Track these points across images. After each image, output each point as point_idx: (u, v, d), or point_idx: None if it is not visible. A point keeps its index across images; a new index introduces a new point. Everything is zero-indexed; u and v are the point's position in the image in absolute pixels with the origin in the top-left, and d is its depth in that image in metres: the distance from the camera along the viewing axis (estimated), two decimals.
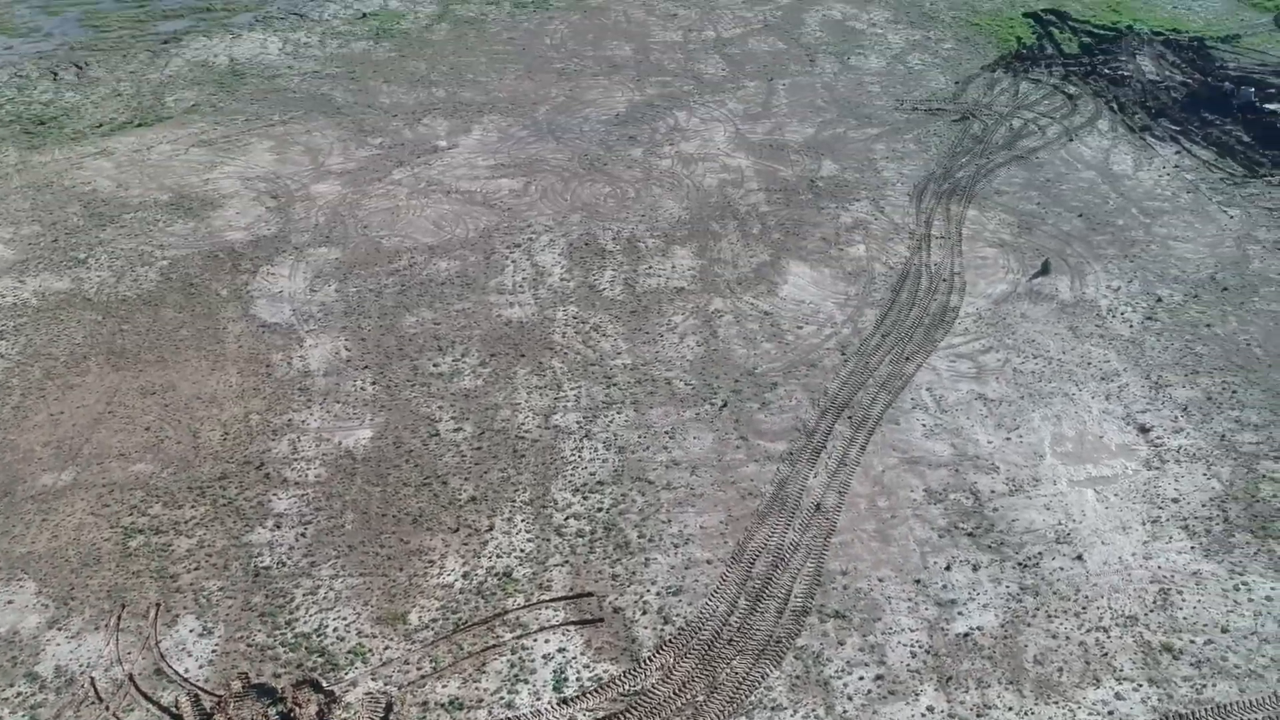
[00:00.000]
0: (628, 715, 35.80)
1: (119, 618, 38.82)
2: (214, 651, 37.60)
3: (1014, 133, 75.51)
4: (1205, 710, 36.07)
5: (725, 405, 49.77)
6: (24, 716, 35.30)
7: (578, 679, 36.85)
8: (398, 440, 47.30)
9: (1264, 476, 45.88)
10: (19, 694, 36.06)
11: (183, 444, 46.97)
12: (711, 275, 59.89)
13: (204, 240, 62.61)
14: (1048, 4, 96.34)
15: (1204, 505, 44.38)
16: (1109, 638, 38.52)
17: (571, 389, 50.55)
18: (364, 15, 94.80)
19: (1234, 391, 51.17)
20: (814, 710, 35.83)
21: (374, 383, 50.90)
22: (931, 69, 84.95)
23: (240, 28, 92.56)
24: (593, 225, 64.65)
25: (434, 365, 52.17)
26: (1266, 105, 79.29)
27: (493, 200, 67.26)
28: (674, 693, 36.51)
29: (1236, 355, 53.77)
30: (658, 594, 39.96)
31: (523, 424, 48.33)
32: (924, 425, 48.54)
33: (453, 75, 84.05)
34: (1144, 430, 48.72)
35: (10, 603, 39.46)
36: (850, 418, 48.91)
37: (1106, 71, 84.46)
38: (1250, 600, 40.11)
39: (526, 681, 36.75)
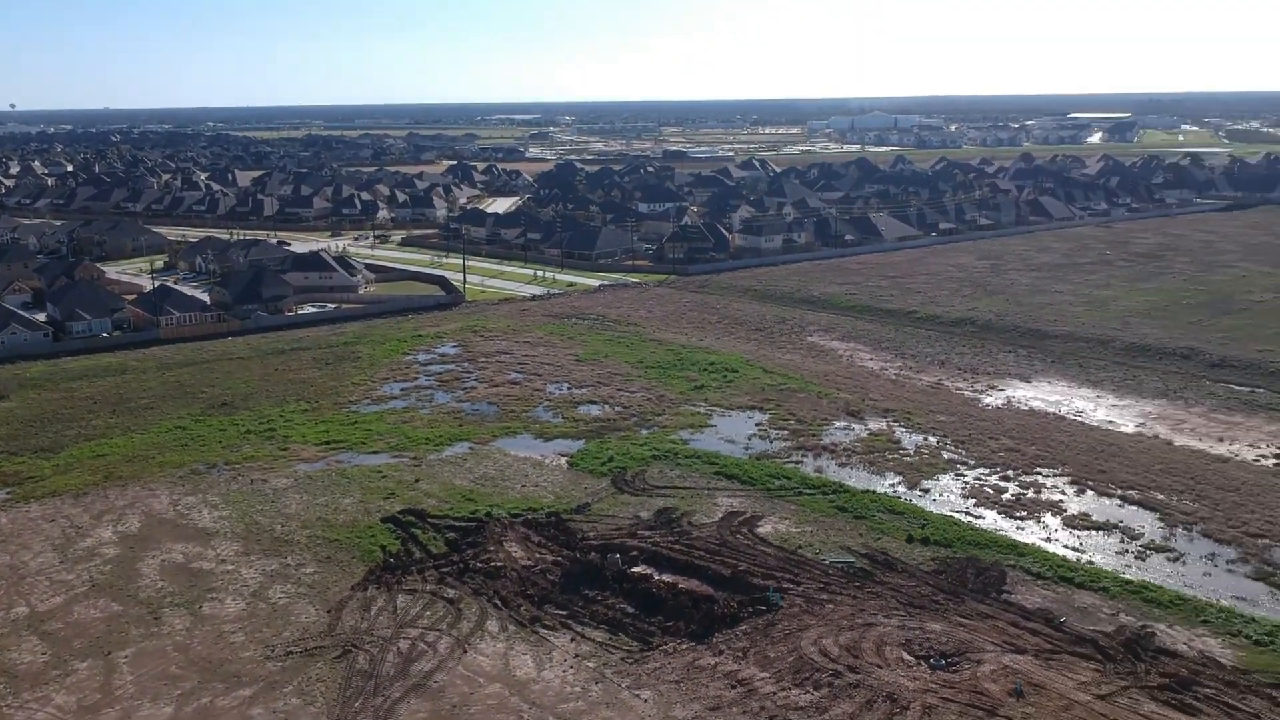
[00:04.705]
0: None
1: None
2: None
3: (404, 657, 68.20)
4: None
5: None
6: None
7: None
8: None
9: None
10: None
11: None
12: None
13: None
14: (403, 504, 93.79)
15: None
16: None
17: None
18: None
19: None
20: None
21: None
22: (298, 600, 76.33)
23: None
24: None
25: None
26: (634, 569, 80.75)
27: None
28: None
29: None
30: None
31: None
32: None
33: None
34: None
35: None
36: None
37: (479, 565, 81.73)
38: None
39: None
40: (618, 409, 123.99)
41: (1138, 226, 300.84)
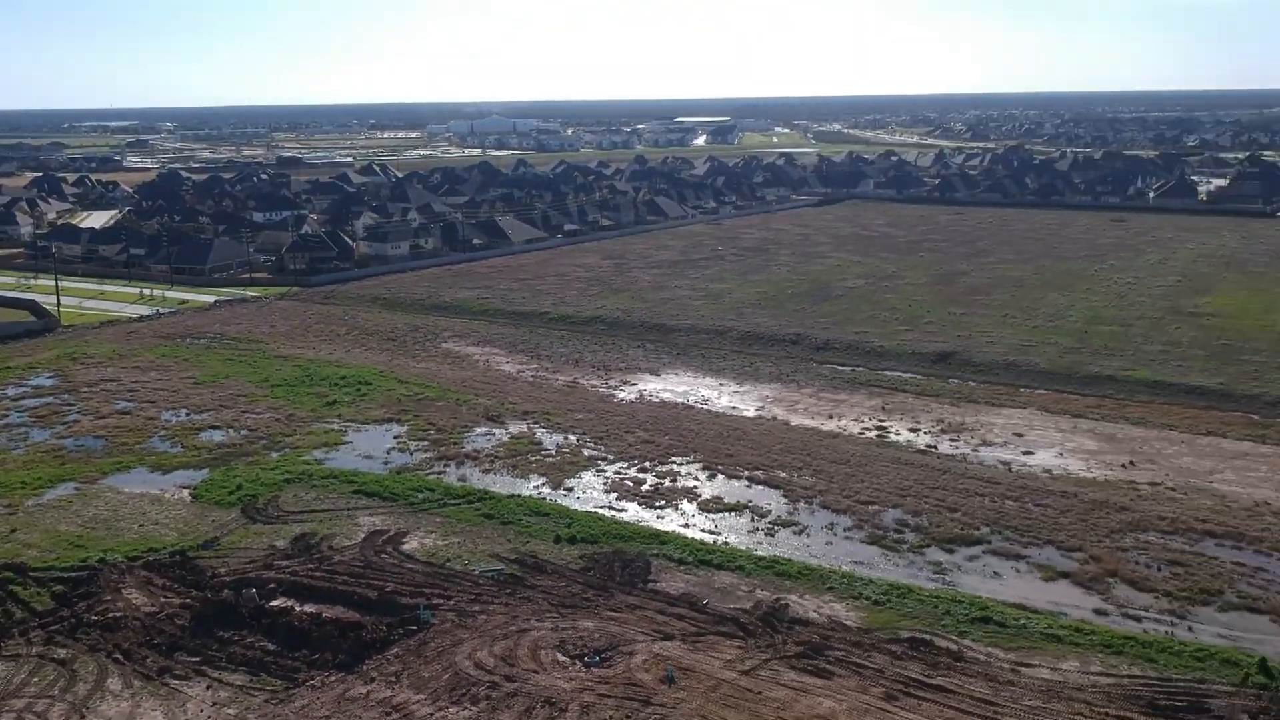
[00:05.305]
0: None
1: None
2: None
3: None
4: None
5: None
6: None
7: None
8: None
9: None
10: None
11: None
12: None
13: None
14: None
15: None
16: None
17: None
18: None
19: None
20: None
21: None
22: None
23: None
24: None
25: None
26: (272, 603, 75.89)
27: None
28: None
29: None
30: None
31: None
32: None
33: None
34: None
35: None
36: None
37: (95, 618, 73.74)
38: None
39: None
40: (244, 433, 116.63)
41: (743, 223, 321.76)
